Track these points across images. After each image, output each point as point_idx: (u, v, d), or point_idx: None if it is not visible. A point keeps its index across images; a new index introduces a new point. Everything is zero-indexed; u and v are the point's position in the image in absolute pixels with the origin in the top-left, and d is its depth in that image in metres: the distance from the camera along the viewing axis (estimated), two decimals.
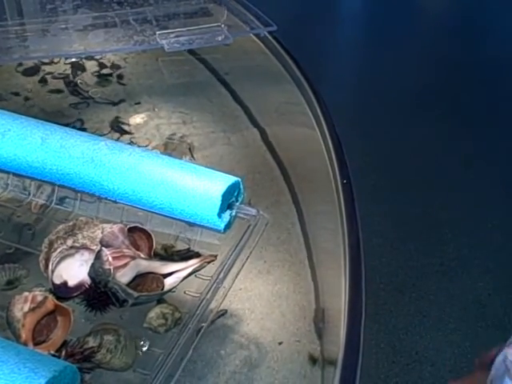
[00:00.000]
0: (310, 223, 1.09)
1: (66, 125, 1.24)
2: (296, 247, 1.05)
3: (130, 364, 0.78)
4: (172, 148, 1.21)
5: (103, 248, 0.84)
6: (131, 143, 1.22)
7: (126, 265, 0.83)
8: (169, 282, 0.86)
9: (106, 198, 0.94)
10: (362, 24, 2.92)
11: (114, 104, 1.34)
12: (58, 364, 0.67)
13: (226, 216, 0.88)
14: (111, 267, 0.82)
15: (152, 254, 0.91)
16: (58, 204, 0.99)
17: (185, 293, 0.86)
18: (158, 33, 1.32)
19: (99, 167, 0.91)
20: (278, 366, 0.87)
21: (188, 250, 0.93)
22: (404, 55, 2.86)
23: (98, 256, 0.83)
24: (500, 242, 2.34)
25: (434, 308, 2.06)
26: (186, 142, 1.24)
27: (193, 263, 0.89)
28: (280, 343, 0.90)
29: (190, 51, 1.47)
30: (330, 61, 2.60)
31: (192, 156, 1.21)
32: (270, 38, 1.42)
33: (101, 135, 1.22)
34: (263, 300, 0.96)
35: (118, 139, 1.22)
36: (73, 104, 1.34)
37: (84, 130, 1.23)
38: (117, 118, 1.29)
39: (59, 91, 1.38)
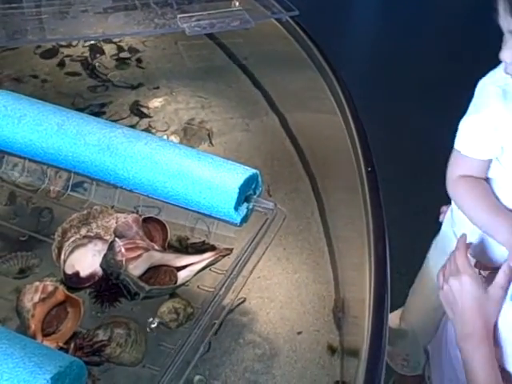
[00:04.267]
0: (330, 212, 1.07)
1: (85, 108, 1.24)
2: (316, 236, 1.04)
3: (140, 359, 0.76)
4: (191, 133, 1.20)
5: (116, 239, 0.82)
6: (150, 127, 1.21)
7: (138, 257, 0.82)
8: (182, 276, 0.84)
9: (121, 187, 0.92)
10: (385, 9, 2.87)
11: (133, 88, 1.33)
12: (64, 359, 0.65)
13: (243, 209, 0.86)
14: (123, 259, 0.80)
15: (166, 245, 0.89)
16: (73, 191, 0.98)
17: (198, 287, 0.85)
18: (178, 16, 1.31)
19: (115, 155, 0.89)
20: (297, 355, 0.86)
21: (203, 242, 0.91)
22: (429, 41, 2.82)
23: (111, 247, 0.81)
24: None
25: None
26: (205, 128, 1.22)
27: (207, 256, 0.87)
28: (299, 333, 0.89)
29: (209, 36, 1.45)
30: (352, 46, 2.56)
31: (210, 142, 1.19)
32: (291, 22, 1.39)
33: (120, 119, 1.21)
34: (282, 289, 0.95)
35: (137, 123, 1.21)
36: (91, 87, 1.33)
37: (103, 113, 1.22)
38: (136, 101, 1.28)
39: (77, 74, 1.37)
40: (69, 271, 0.82)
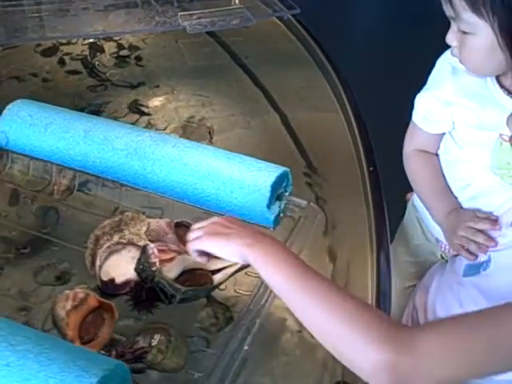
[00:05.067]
0: (330, 211, 1.06)
1: (85, 107, 1.23)
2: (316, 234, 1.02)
3: (181, 365, 0.75)
4: (191, 131, 1.19)
5: (149, 242, 0.82)
6: (149, 125, 1.20)
7: (172, 259, 0.81)
8: (217, 279, 0.83)
9: (147, 190, 0.91)
10: (388, 7, 2.86)
11: (133, 86, 1.32)
12: (109, 362, 0.64)
13: (276, 208, 0.85)
14: (157, 260, 0.79)
15: None
16: (79, 190, 0.98)
17: (235, 291, 0.84)
18: (179, 14, 1.30)
19: (143, 159, 0.89)
20: (298, 354, 0.85)
21: None
22: (432, 40, 2.80)
23: (144, 250, 0.81)
24: None
25: None
26: (205, 126, 1.21)
27: None
28: (299, 331, 0.88)
29: (210, 34, 1.45)
30: (354, 44, 2.55)
31: (211, 139, 1.19)
32: (293, 20, 1.38)
33: (119, 117, 1.20)
34: None
35: (136, 121, 1.20)
36: (91, 86, 1.32)
37: (102, 112, 1.21)
38: (135, 99, 1.27)
39: (77, 72, 1.36)
40: (104, 278, 0.82)
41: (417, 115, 1.00)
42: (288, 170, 0.87)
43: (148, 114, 1.23)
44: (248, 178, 0.84)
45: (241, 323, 0.74)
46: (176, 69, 1.39)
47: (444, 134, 0.99)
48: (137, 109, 1.24)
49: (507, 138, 0.87)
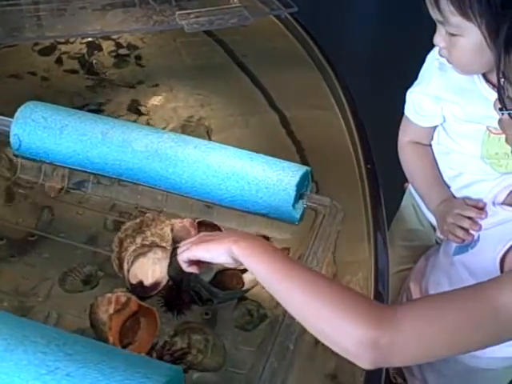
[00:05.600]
0: None
1: (84, 106, 1.23)
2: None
3: (221, 363, 0.75)
4: (189, 130, 1.19)
5: (179, 245, 0.80)
6: (148, 125, 1.20)
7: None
8: (249, 278, 0.82)
9: (171, 192, 0.91)
10: (385, 6, 2.86)
11: (131, 86, 1.32)
12: (167, 367, 0.63)
13: (300, 206, 0.86)
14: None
15: None
16: (72, 188, 0.98)
17: (263, 288, 0.82)
18: (177, 13, 1.30)
19: (165, 160, 0.88)
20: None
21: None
22: (429, 39, 2.80)
23: (176, 254, 0.79)
24: None
25: None
26: (203, 125, 1.22)
27: None
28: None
29: (208, 33, 1.45)
30: (352, 43, 2.56)
31: (209, 139, 1.19)
32: (290, 19, 1.39)
33: (118, 117, 1.20)
34: None
35: (135, 121, 1.20)
36: (89, 85, 1.32)
37: (102, 111, 1.21)
38: (134, 99, 1.27)
39: (75, 71, 1.36)
40: (133, 281, 0.81)
41: (408, 109, 1.03)
42: (309, 169, 0.89)
43: (147, 114, 1.23)
44: (273, 178, 0.85)
45: (275, 319, 0.75)
46: (174, 68, 1.39)
47: (436, 126, 1.02)
48: (136, 108, 1.24)
49: (494, 131, 0.91)
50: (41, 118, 0.93)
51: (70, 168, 0.96)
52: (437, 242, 1.13)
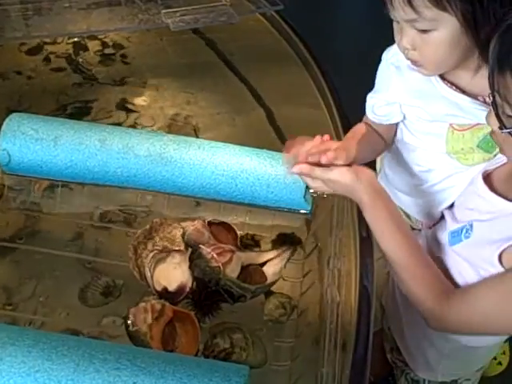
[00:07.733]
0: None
1: (70, 104, 1.23)
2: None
3: (265, 359, 0.75)
4: (176, 129, 1.20)
5: (202, 246, 0.82)
6: (136, 124, 1.20)
7: (230, 260, 0.81)
8: (270, 271, 0.84)
9: (179, 195, 0.90)
10: (372, 3, 2.87)
11: (118, 84, 1.32)
12: (238, 367, 0.64)
13: (309, 197, 0.88)
14: (219, 264, 0.79)
15: (239, 244, 0.88)
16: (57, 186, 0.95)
17: (284, 279, 0.85)
18: (163, 11, 1.30)
19: (170, 163, 0.87)
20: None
21: (278, 235, 0.91)
22: None
23: (200, 255, 0.80)
24: None
25: None
26: (190, 124, 1.22)
27: (284, 249, 0.86)
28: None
29: (195, 31, 1.45)
30: (338, 40, 2.56)
31: (196, 137, 1.19)
32: (276, 17, 1.39)
33: (106, 116, 1.20)
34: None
35: (124, 121, 1.20)
36: (76, 84, 1.32)
37: (90, 108, 1.21)
38: (121, 98, 1.27)
39: (62, 69, 1.36)
40: (158, 288, 0.81)
41: (368, 112, 1.01)
42: None
43: (135, 112, 1.23)
44: (282, 172, 0.86)
45: (307, 309, 0.77)
46: (161, 66, 1.39)
47: (397, 123, 1.01)
48: (124, 107, 1.24)
49: (458, 127, 0.92)
50: (30, 129, 0.89)
51: (65, 181, 0.93)
52: (412, 228, 1.11)
